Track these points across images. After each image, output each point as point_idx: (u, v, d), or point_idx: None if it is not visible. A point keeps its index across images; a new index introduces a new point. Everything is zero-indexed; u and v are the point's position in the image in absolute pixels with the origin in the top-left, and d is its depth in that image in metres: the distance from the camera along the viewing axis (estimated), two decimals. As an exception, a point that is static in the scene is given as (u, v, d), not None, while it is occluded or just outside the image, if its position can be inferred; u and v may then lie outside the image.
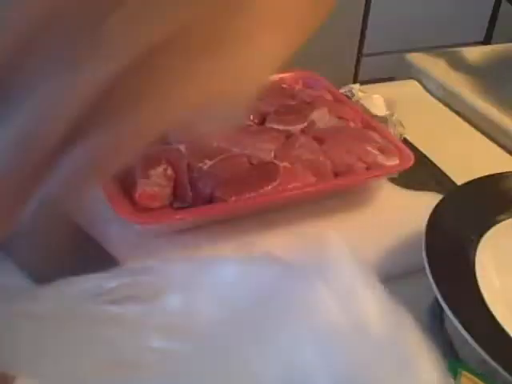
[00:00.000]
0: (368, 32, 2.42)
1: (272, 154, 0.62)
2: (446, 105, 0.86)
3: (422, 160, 0.70)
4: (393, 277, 0.56)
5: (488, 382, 0.39)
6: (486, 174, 0.60)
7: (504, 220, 0.55)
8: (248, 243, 0.57)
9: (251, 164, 0.61)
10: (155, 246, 0.56)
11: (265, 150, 0.62)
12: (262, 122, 0.68)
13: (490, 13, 2.50)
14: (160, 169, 0.57)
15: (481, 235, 0.52)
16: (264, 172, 0.60)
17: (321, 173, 0.61)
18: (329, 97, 0.73)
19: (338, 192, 0.64)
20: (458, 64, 0.93)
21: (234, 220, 0.59)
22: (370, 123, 0.69)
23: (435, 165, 0.70)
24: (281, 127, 0.66)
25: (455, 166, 0.69)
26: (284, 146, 0.64)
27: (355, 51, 2.45)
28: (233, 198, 0.56)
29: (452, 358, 0.47)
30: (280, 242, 0.58)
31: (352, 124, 0.69)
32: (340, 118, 0.69)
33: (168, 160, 0.59)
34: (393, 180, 0.67)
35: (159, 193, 0.57)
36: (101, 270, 0.40)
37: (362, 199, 0.64)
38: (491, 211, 0.55)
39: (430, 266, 0.48)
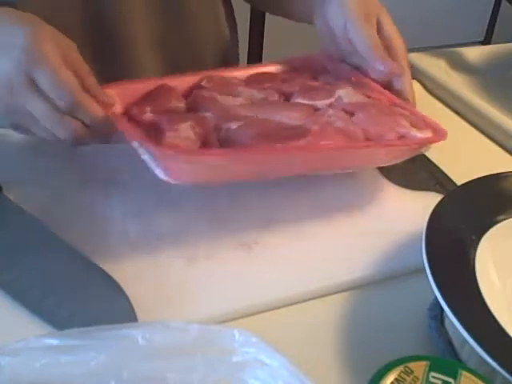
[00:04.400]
0: (368, 32, 2.41)
1: (300, 120, 0.59)
2: (446, 105, 0.86)
3: (422, 160, 0.70)
4: (393, 277, 0.56)
5: (488, 382, 0.39)
6: (486, 174, 0.60)
7: (504, 220, 0.55)
8: (248, 243, 0.57)
9: (279, 126, 0.58)
10: (154, 247, 0.56)
11: (293, 117, 0.60)
12: (287, 100, 0.65)
13: (490, 13, 2.50)
14: (187, 124, 0.55)
15: (481, 235, 0.52)
16: (295, 131, 0.57)
17: (352, 139, 0.58)
18: (350, 80, 0.70)
19: (367, 160, 0.61)
20: (458, 64, 0.93)
21: (235, 220, 0.59)
22: (398, 102, 0.66)
23: (435, 165, 0.70)
24: (307, 101, 0.64)
25: (455, 166, 0.69)
26: (313, 116, 0.61)
27: (355, 51, 2.44)
28: (263, 147, 0.54)
29: (452, 357, 0.47)
30: (279, 242, 0.58)
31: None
32: (366, 96, 0.66)
33: (195, 119, 0.57)
34: (393, 180, 0.67)
35: (188, 147, 0.55)
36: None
37: (362, 199, 0.64)
38: (491, 211, 0.55)
39: (429, 266, 0.48)
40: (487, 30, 2.53)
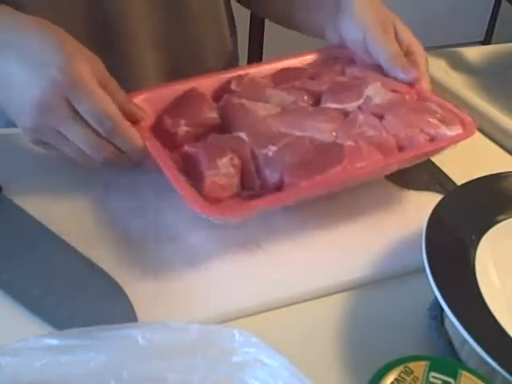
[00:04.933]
0: (368, 32, 2.41)
1: (334, 134, 0.61)
2: (446, 105, 0.86)
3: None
4: (393, 277, 0.56)
5: (488, 382, 0.39)
6: (486, 174, 0.60)
7: (504, 220, 0.55)
8: (248, 243, 0.57)
9: (314, 146, 0.60)
10: (155, 247, 0.56)
11: (325, 130, 0.61)
12: (317, 102, 0.67)
13: (490, 13, 2.50)
14: (226, 158, 0.56)
15: (481, 235, 0.52)
16: (329, 153, 0.59)
17: (385, 148, 0.60)
18: (377, 71, 0.71)
19: (403, 166, 0.62)
20: (458, 64, 0.93)
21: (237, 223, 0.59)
22: (425, 94, 0.68)
23: (436, 165, 0.70)
24: (337, 106, 0.65)
25: (455, 166, 0.69)
26: (344, 125, 0.62)
27: (355, 51, 2.44)
28: (303, 183, 0.55)
29: (452, 357, 0.47)
30: (279, 242, 0.58)
31: (407, 97, 0.67)
32: (394, 91, 0.67)
33: (232, 149, 0.57)
34: (393, 180, 0.66)
35: (228, 183, 0.56)
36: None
37: (362, 199, 0.64)
38: (491, 211, 0.55)
39: (430, 266, 0.48)
40: (487, 29, 2.53)
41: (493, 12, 2.48)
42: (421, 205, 0.62)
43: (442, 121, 0.63)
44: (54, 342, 0.39)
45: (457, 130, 0.62)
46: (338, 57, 0.74)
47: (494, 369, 0.42)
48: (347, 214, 0.61)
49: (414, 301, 0.53)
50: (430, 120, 0.62)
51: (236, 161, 0.57)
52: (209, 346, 0.40)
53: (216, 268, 0.55)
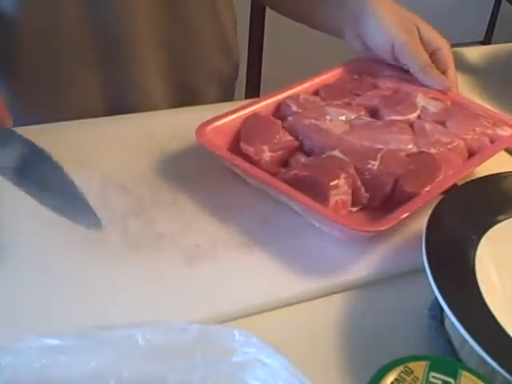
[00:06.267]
0: (368, 32, 2.41)
1: (415, 144, 0.64)
2: (446, 105, 0.86)
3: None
4: (393, 277, 0.56)
5: (488, 382, 0.39)
6: (486, 174, 0.60)
7: (504, 220, 0.55)
8: (247, 243, 0.57)
9: (407, 156, 0.63)
10: (155, 247, 0.56)
11: (406, 141, 0.64)
12: (373, 116, 0.69)
13: (489, 13, 2.50)
14: (342, 177, 0.58)
15: (481, 235, 0.52)
16: (425, 162, 0.62)
17: (461, 153, 0.64)
18: (408, 80, 0.74)
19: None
20: (458, 64, 0.93)
21: (234, 220, 0.59)
22: (458, 99, 0.73)
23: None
24: (401, 118, 0.68)
25: (455, 166, 0.69)
26: (419, 135, 0.66)
27: (355, 51, 2.44)
28: (425, 189, 0.58)
29: (452, 357, 0.47)
30: (279, 242, 0.58)
31: (448, 103, 0.71)
32: (434, 99, 0.71)
33: (339, 168, 0.60)
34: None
35: (347, 200, 0.59)
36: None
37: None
38: (491, 211, 0.55)
39: (430, 266, 0.48)
40: (487, 29, 2.53)
41: (493, 12, 2.48)
42: (421, 205, 0.62)
43: (494, 123, 0.68)
44: (54, 342, 0.39)
45: (508, 131, 0.67)
46: (361, 71, 0.77)
47: (494, 369, 0.42)
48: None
49: (414, 301, 0.53)
50: (486, 123, 0.67)
51: (349, 179, 0.59)
52: (209, 346, 0.40)
53: (216, 268, 0.55)
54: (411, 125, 0.68)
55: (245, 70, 1.97)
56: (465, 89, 0.85)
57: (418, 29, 0.74)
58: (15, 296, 0.52)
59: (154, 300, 0.52)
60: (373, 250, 0.58)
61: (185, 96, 0.84)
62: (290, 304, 0.53)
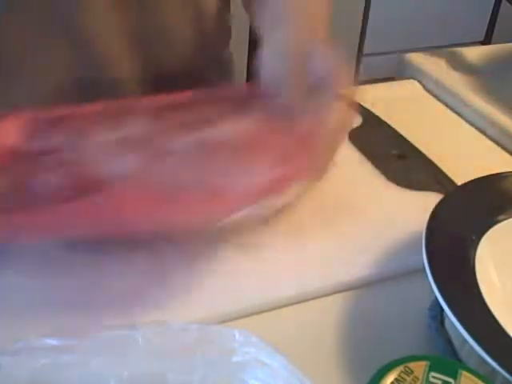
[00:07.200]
0: (368, 32, 2.42)
1: None
2: (446, 105, 0.86)
3: (422, 160, 0.70)
4: (393, 277, 0.56)
5: (488, 382, 0.39)
6: (486, 174, 0.60)
7: (504, 220, 0.55)
8: (247, 243, 0.58)
9: None
10: (155, 247, 0.56)
11: None
12: None
13: (489, 13, 2.50)
14: None
15: (481, 235, 0.52)
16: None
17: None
18: None
19: None
20: (458, 64, 0.93)
21: (234, 220, 0.59)
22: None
23: (435, 165, 0.70)
24: None
25: (455, 165, 0.69)
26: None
27: (355, 51, 2.45)
28: None
29: (452, 357, 0.47)
30: (279, 242, 0.58)
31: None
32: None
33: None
34: (393, 180, 0.67)
35: None
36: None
37: (361, 199, 0.64)
38: (491, 211, 0.55)
39: (430, 266, 0.48)
40: (487, 29, 2.53)
41: (493, 12, 2.48)
42: (421, 205, 0.62)
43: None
44: (54, 342, 0.39)
45: None
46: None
47: (494, 369, 0.42)
48: (347, 214, 0.62)
49: (414, 301, 0.53)
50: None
51: None
52: (209, 345, 0.40)
53: (216, 268, 0.55)
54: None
55: (245, 70, 1.96)
56: (465, 89, 0.85)
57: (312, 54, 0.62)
58: (15, 296, 0.52)
59: (153, 300, 0.52)
60: (372, 250, 0.58)
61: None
62: (290, 304, 0.53)
